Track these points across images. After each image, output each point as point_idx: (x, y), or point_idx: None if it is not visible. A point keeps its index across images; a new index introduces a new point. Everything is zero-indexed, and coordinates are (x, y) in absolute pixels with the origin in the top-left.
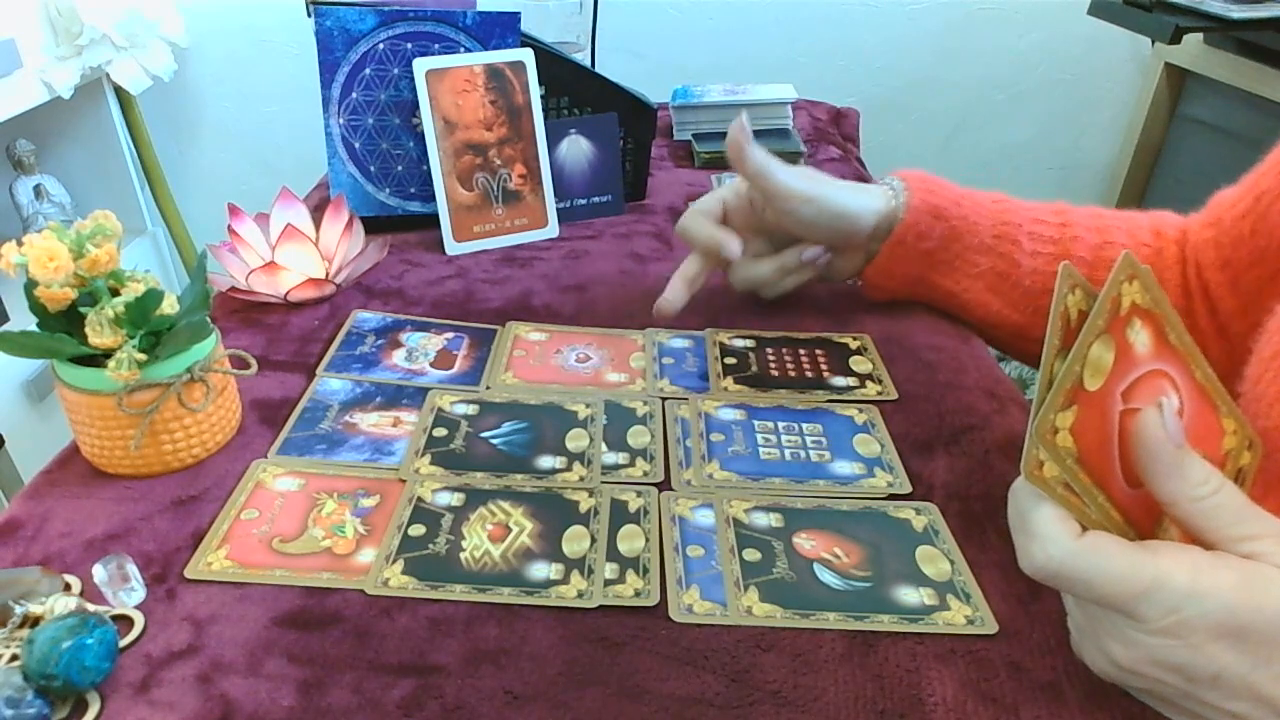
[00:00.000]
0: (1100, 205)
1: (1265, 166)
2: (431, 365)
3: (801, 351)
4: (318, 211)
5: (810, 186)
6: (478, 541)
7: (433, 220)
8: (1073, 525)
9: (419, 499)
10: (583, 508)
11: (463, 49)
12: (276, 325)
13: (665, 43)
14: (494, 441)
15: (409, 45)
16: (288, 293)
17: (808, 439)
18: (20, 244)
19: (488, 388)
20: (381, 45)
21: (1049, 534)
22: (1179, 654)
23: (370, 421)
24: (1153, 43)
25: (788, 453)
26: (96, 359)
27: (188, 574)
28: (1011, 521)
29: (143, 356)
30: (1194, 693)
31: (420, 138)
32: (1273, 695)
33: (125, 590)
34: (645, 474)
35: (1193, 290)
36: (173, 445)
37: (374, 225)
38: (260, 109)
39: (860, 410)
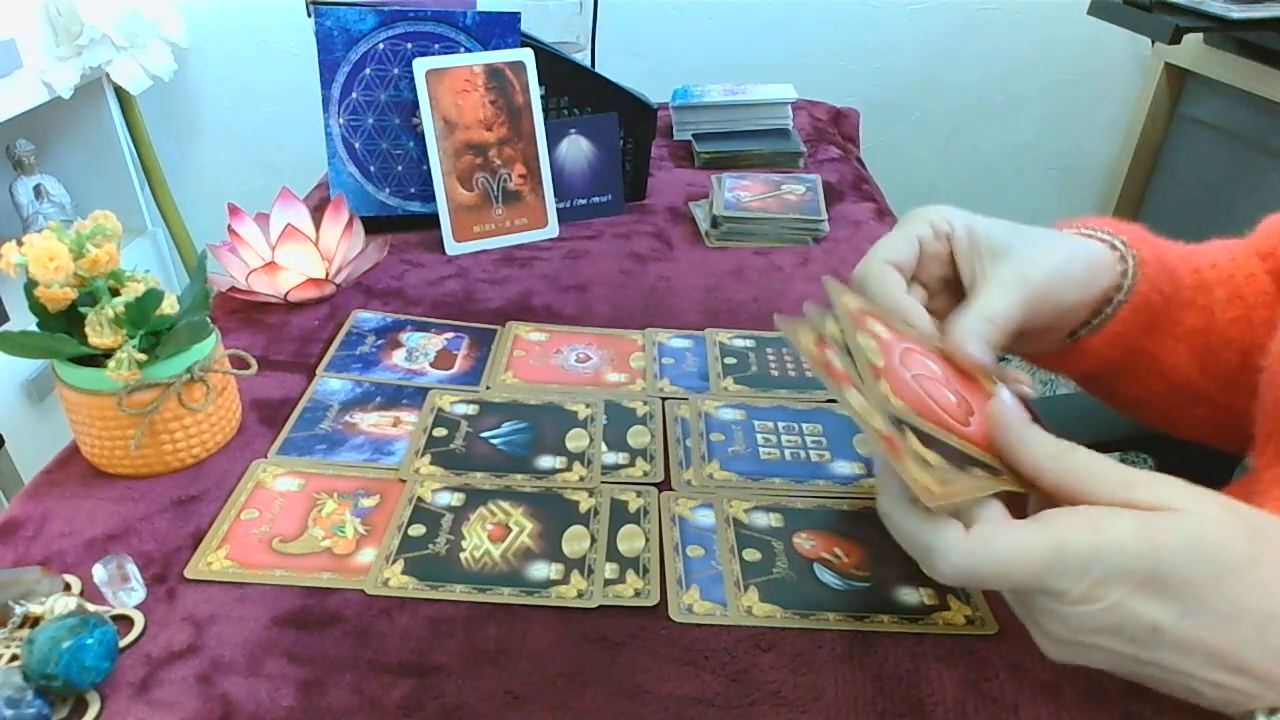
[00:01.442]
0: (1100, 205)
1: None
2: (431, 365)
3: None
4: (318, 211)
5: (1037, 308)
6: (478, 541)
7: (433, 220)
8: (956, 526)
9: (419, 499)
10: (583, 508)
11: (463, 49)
12: (276, 325)
13: (665, 43)
14: (494, 441)
15: (409, 45)
16: (288, 293)
17: (808, 439)
18: (20, 244)
19: (488, 388)
20: (381, 45)
21: (939, 545)
22: (1107, 617)
23: (370, 421)
24: (1153, 43)
25: (788, 453)
26: (96, 359)
27: (188, 574)
28: (902, 544)
29: (143, 356)
30: (1143, 655)
31: (420, 138)
32: (1221, 645)
33: (125, 590)
34: (645, 474)
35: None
36: (173, 445)
37: (374, 225)
38: (260, 109)
39: None
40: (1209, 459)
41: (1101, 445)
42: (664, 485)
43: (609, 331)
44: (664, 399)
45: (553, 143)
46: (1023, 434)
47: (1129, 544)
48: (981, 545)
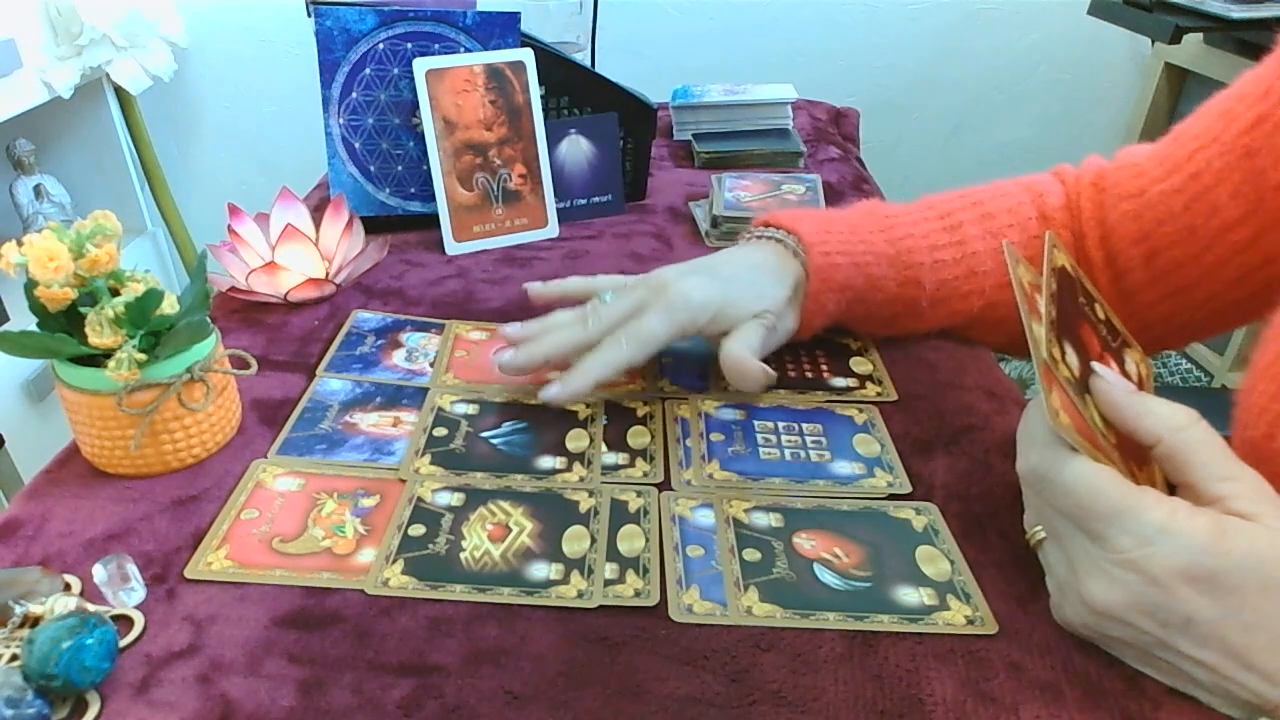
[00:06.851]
0: None
1: (1196, 143)
2: (431, 365)
3: (801, 351)
4: (318, 211)
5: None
6: (478, 541)
7: (433, 220)
8: (1064, 441)
9: (419, 499)
10: (583, 508)
11: (463, 49)
12: (276, 325)
13: (665, 43)
14: (494, 441)
15: (409, 45)
16: (288, 293)
17: (808, 439)
18: (20, 244)
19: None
20: (381, 45)
21: (1039, 438)
22: (1152, 595)
23: (370, 421)
24: (1153, 43)
25: (788, 453)
26: (96, 359)
27: (188, 574)
28: (1019, 431)
29: (143, 356)
30: (1167, 639)
31: (420, 138)
32: (1242, 647)
33: (125, 590)
34: (645, 474)
35: (1093, 260)
36: (173, 445)
37: (374, 225)
38: (260, 109)
39: (860, 410)
40: None
41: None
42: (664, 485)
43: None
44: (664, 399)
45: (553, 143)
46: (1141, 402)
47: (1200, 539)
48: (1078, 461)
